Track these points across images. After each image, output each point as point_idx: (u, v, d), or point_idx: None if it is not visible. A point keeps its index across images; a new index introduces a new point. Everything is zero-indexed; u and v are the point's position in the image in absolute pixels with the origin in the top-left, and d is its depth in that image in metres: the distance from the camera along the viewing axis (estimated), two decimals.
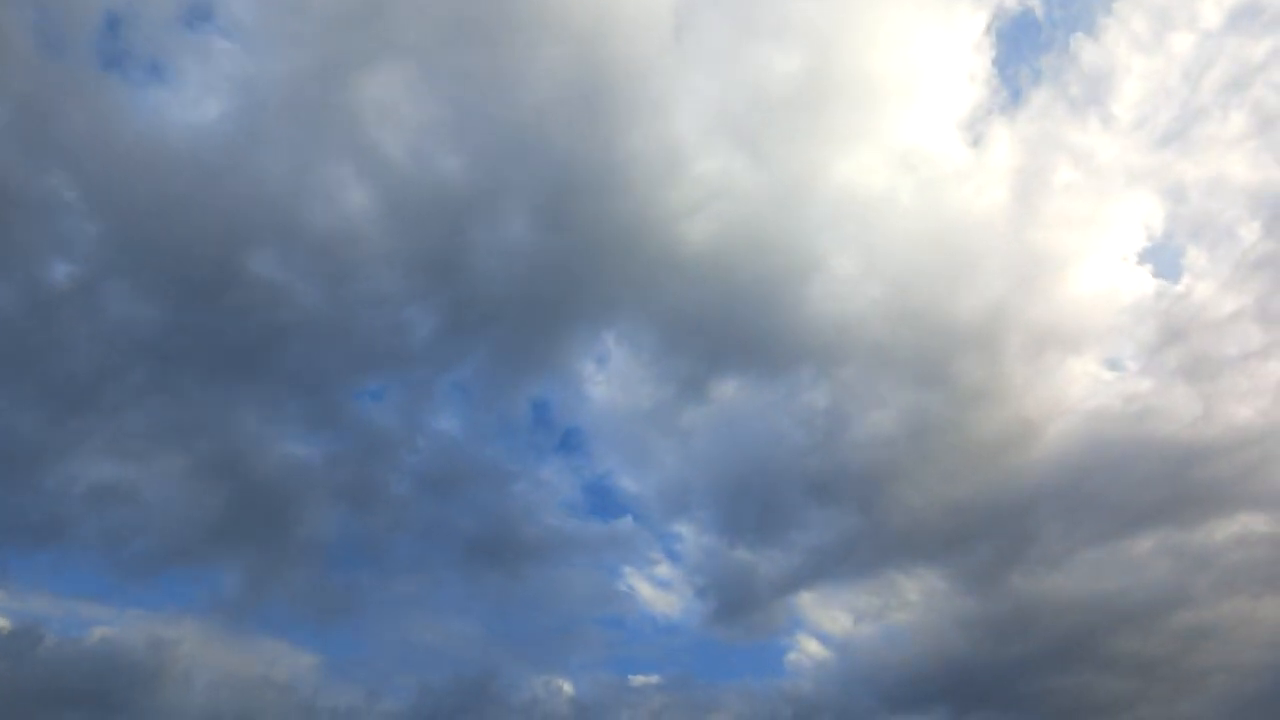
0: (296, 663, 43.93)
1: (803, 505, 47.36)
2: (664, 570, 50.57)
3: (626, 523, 51.39)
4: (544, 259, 45.70)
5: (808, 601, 49.26)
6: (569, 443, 52.27)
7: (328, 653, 44.82)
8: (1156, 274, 49.78)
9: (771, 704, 47.78)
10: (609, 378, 52.72)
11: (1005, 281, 46.08)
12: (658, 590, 50.21)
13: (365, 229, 45.10)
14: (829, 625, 49.45)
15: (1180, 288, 48.86)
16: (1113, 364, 48.17)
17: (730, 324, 46.90)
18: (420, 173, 45.54)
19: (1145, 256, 50.22)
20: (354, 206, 45.22)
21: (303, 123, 43.22)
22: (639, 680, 47.21)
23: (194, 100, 45.15)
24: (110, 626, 41.57)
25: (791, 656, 49.17)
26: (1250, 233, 48.76)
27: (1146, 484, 43.07)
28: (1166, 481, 43.22)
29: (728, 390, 50.08)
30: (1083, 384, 46.27)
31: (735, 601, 48.64)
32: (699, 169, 46.57)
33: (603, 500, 51.68)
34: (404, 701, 44.90)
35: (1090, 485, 43.51)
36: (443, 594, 47.42)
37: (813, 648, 49.30)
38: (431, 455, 49.25)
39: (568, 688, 46.42)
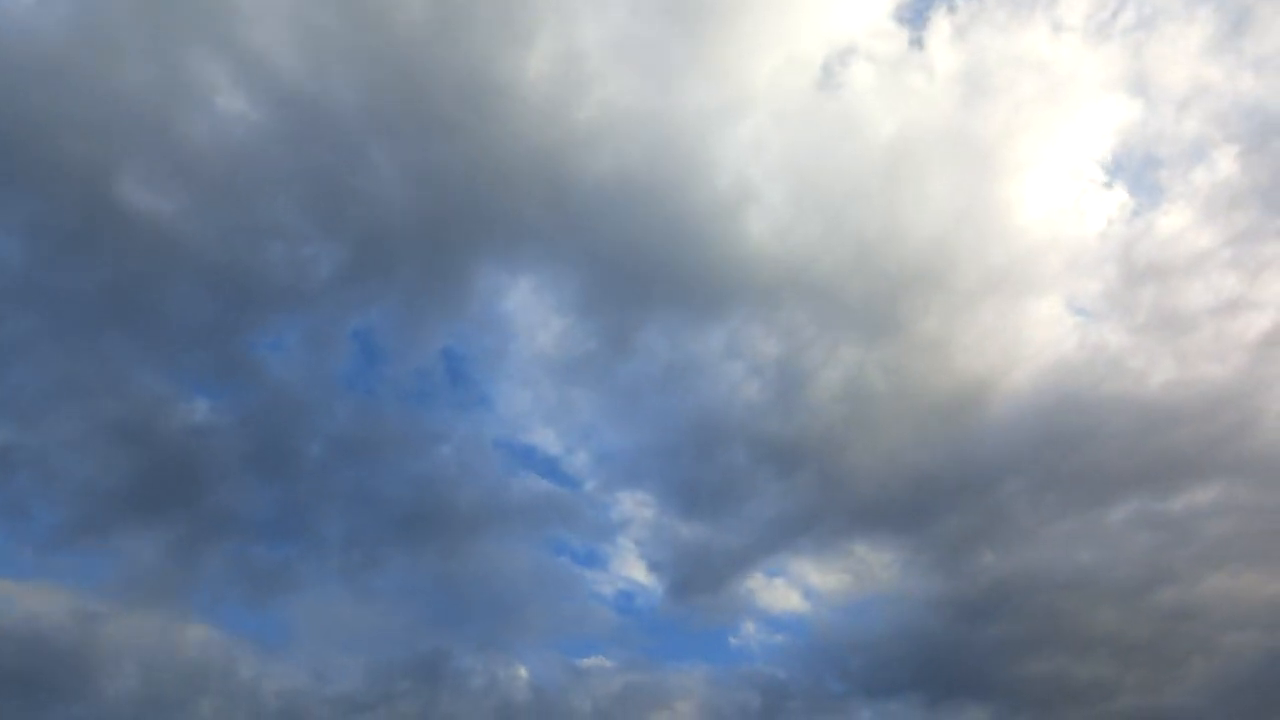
0: (231, 643, 41.65)
1: (755, 471, 44.56)
2: (611, 544, 48.03)
3: (566, 491, 48.05)
4: (450, 186, 41.37)
5: (766, 578, 47.01)
6: (491, 401, 48.58)
7: (263, 633, 42.69)
8: (1120, 206, 45.98)
9: (736, 689, 45.65)
10: (529, 326, 48.48)
11: (954, 211, 42.94)
12: (606, 566, 47.79)
13: (251, 148, 39.99)
14: (792, 604, 47.20)
15: (1144, 223, 45.23)
16: (1075, 309, 45.07)
17: (657, 265, 43.36)
18: (311, 84, 40.23)
19: (1106, 184, 46.25)
20: (235, 119, 40.08)
21: (167, 16, 37.96)
22: (592, 662, 45.14)
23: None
24: (25, 604, 39.35)
25: (753, 638, 47.04)
26: (1226, 159, 44.92)
27: (1118, 448, 40.89)
28: (1139, 446, 41.08)
29: (659, 342, 46.26)
30: (1044, 331, 43.37)
31: (690, 578, 46.23)
32: (606, 90, 42.19)
33: (534, 465, 48.09)
34: (352, 684, 42.82)
35: (1058, 449, 41.22)
36: (378, 570, 44.20)
37: (775, 629, 47.15)
38: (346, 415, 45.33)
39: (523, 671, 44.39)
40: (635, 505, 47.02)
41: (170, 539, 41.36)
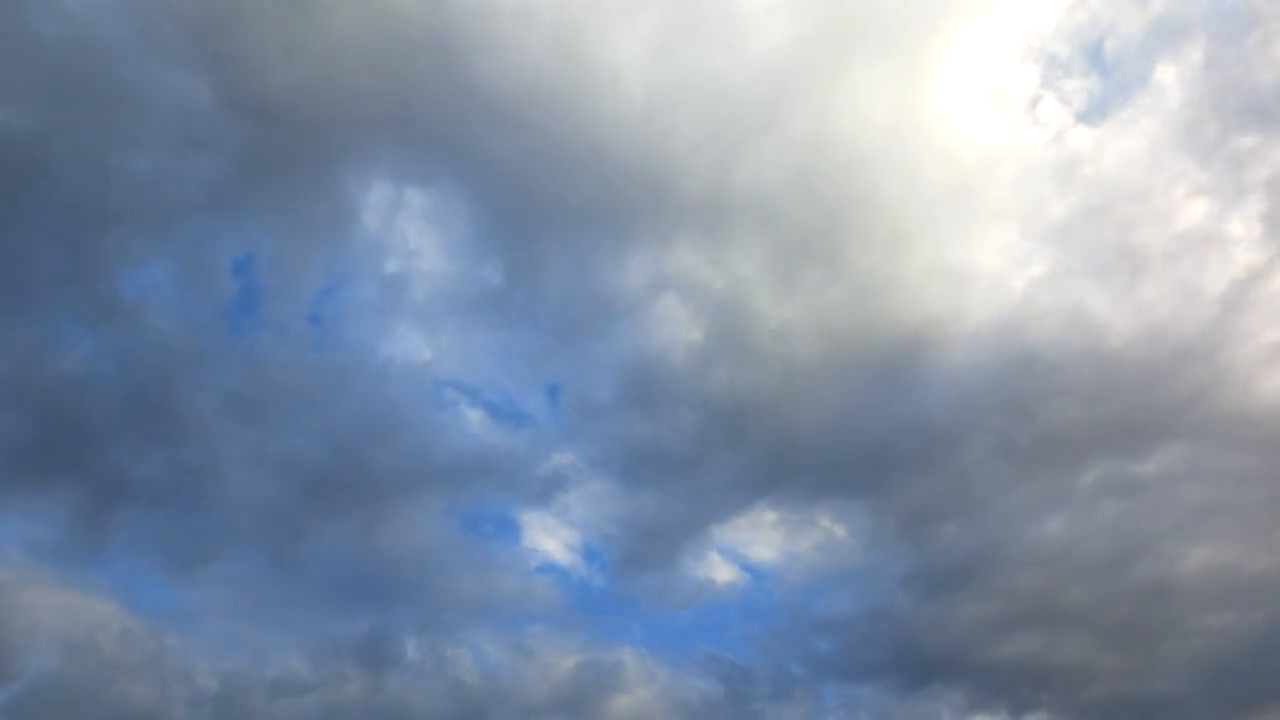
0: (154, 622, 39.55)
1: (706, 432, 41.70)
2: (544, 513, 45.00)
3: (494, 452, 43.99)
4: (333, 82, 36.51)
5: (720, 553, 44.93)
6: (390, 347, 43.62)
7: (185, 610, 40.33)
8: (1069, 122, 42.12)
9: (696, 673, 43.68)
10: (421, 250, 43.71)
11: (884, 120, 39.37)
12: (548, 536, 44.99)
13: (108, 51, 34.45)
14: (749, 580, 45.27)
15: (1097, 140, 41.64)
16: (1025, 243, 41.91)
17: (562, 183, 39.37)
18: None
19: (1052, 95, 42.11)
20: (88, 17, 34.52)
21: None
22: (540, 642, 43.10)
23: None
24: None
25: (709, 616, 45.07)
26: (1190, 61, 41.22)
27: (1081, 405, 38.86)
28: (1103, 403, 39.12)
29: (571, 273, 42.25)
30: (994, 271, 40.65)
31: (637, 552, 43.84)
32: None
33: (453, 420, 43.83)
34: (294, 666, 41.03)
35: (1017, 405, 39.12)
36: (298, 541, 41.07)
37: (733, 607, 45.19)
38: (235, 362, 40.70)
39: (468, 652, 42.49)
40: (568, 468, 43.90)
41: (65, 508, 38.41)
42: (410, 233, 43.20)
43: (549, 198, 39.40)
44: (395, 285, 43.35)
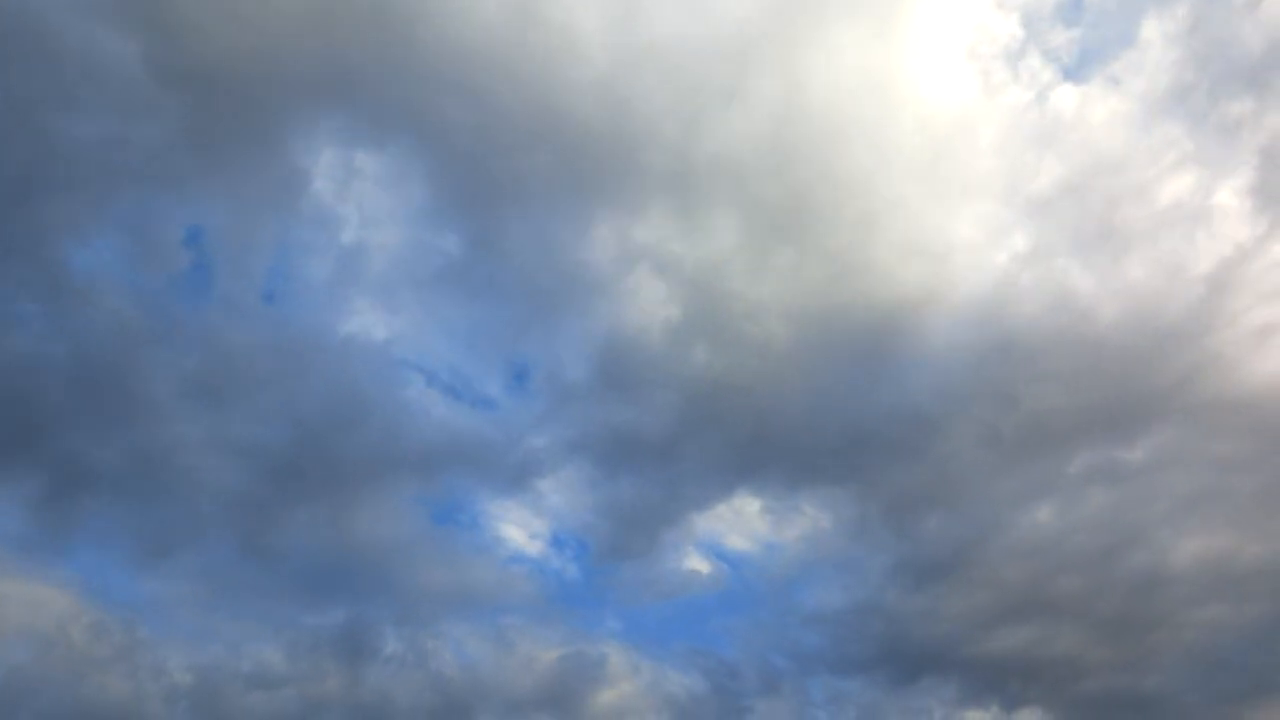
0: (121, 615, 38.65)
1: (684, 415, 40.37)
2: (527, 500, 43.71)
3: (465, 435, 42.37)
4: (280, 38, 34.87)
5: (700, 544, 44.11)
6: (351, 319, 41.41)
7: (154, 602, 39.34)
8: (1052, 80, 40.73)
9: (684, 667, 42.85)
10: (377, 219, 41.46)
11: (856, 83, 37.91)
12: (522, 525, 43.80)
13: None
14: (734, 569, 44.48)
15: (1081, 99, 40.25)
16: (1006, 215, 40.52)
17: (520, 146, 37.51)
18: None
19: (1035, 50, 40.54)
20: None
21: None
22: (520, 634, 42.29)
23: None
24: None
25: (696, 608, 44.25)
26: (1177, 20, 39.83)
27: (1066, 389, 37.95)
28: (1088, 387, 38.24)
29: (535, 244, 39.95)
30: (974, 246, 39.48)
31: (619, 541, 42.77)
32: None
33: (419, 401, 42.03)
34: (269, 659, 40.28)
35: (1001, 389, 38.24)
36: (267, 530, 39.89)
37: (717, 598, 44.32)
38: (192, 342, 38.64)
39: (448, 645, 41.71)
40: (542, 452, 42.27)
41: (22, 497, 37.06)
42: (365, 201, 41.60)
43: (508, 165, 37.94)
44: (352, 258, 41.70)
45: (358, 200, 41.45)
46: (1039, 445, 38.37)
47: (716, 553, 43.83)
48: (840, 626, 43.51)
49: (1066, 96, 40.53)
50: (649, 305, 39.30)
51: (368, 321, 42.14)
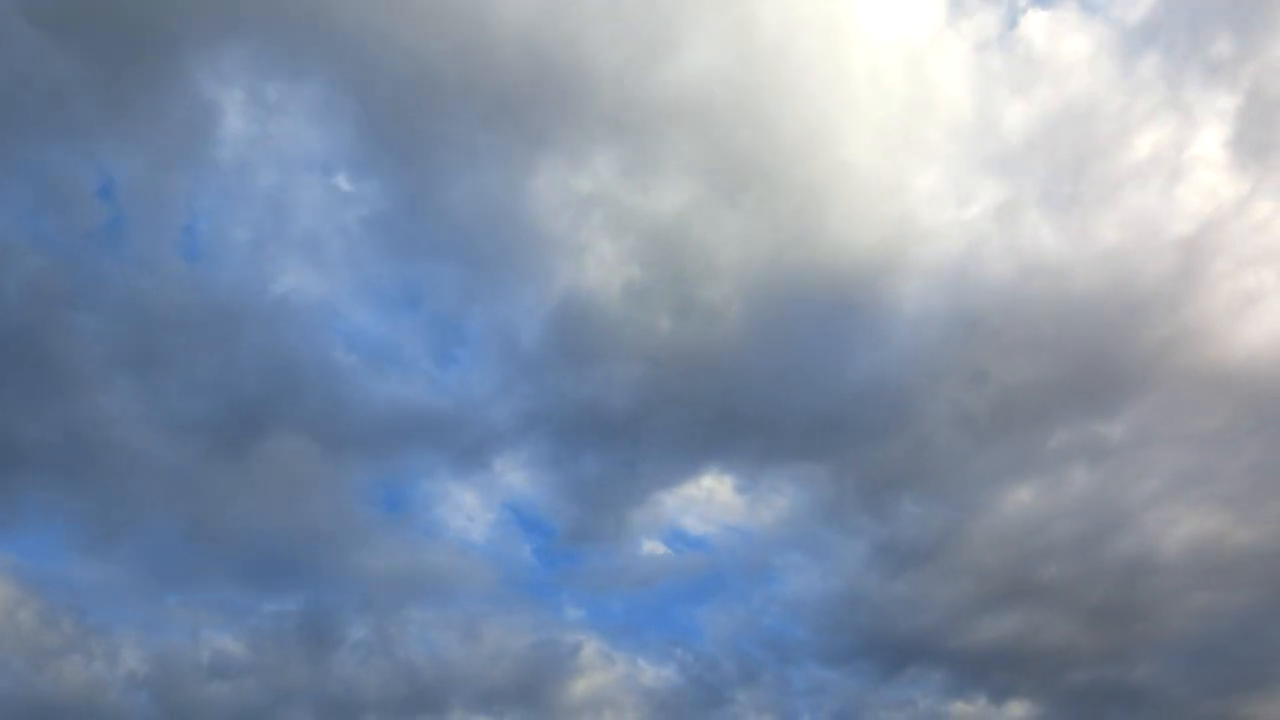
0: (69, 602, 37.09)
1: (648, 385, 37.92)
2: (483, 480, 41.45)
3: (415, 409, 39.58)
4: None
5: (674, 527, 42.76)
6: (280, 278, 37.89)
7: (102, 589, 37.78)
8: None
9: (662, 658, 41.44)
10: (298, 160, 38.09)
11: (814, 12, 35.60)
12: (479, 507, 41.81)
13: None
14: (711, 554, 43.11)
15: (1051, 26, 37.67)
16: (965, 173, 38.55)
17: (452, 82, 34.47)
18: None
19: None
20: None
21: None
22: (488, 625, 40.88)
23: None
24: None
25: (668, 594, 42.86)
26: None
27: (1039, 362, 36.46)
28: (1063, 360, 36.79)
29: (473, 192, 36.54)
30: (933, 204, 37.58)
31: (584, 525, 40.95)
32: None
33: (363, 372, 39.10)
34: (231, 649, 39.05)
35: (974, 358, 36.83)
36: (211, 510, 37.50)
37: (693, 585, 42.94)
38: (114, 305, 35.49)
39: (410, 632, 40.41)
40: (500, 427, 39.85)
41: None
42: (285, 143, 38.42)
43: (439, 104, 35.37)
44: (276, 210, 38.52)
45: (277, 143, 38.42)
46: (1015, 420, 37.21)
47: (687, 538, 42.65)
48: (821, 615, 42.39)
49: (1037, 24, 38.42)
50: (603, 265, 37.15)
51: (298, 282, 38.95)
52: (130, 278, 36.15)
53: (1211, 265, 35.41)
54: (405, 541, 40.77)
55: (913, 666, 41.69)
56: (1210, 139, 36.67)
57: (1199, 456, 37.80)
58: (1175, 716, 39.49)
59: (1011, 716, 40.63)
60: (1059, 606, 40.88)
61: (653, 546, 42.12)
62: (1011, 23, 38.33)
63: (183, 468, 36.95)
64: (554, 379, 38.88)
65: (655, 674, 41.09)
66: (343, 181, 39.05)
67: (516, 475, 41.62)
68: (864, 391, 37.41)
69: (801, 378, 37.65)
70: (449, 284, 39.85)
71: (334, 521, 39.35)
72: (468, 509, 41.92)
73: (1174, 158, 36.49)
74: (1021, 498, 39.75)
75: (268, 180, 38.61)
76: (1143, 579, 39.95)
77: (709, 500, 41.79)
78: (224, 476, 37.66)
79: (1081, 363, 36.38)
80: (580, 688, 40.52)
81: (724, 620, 42.73)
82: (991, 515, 39.80)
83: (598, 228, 37.31)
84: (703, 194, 36.57)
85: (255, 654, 39.24)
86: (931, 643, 41.46)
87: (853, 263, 36.24)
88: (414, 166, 36.57)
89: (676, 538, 42.33)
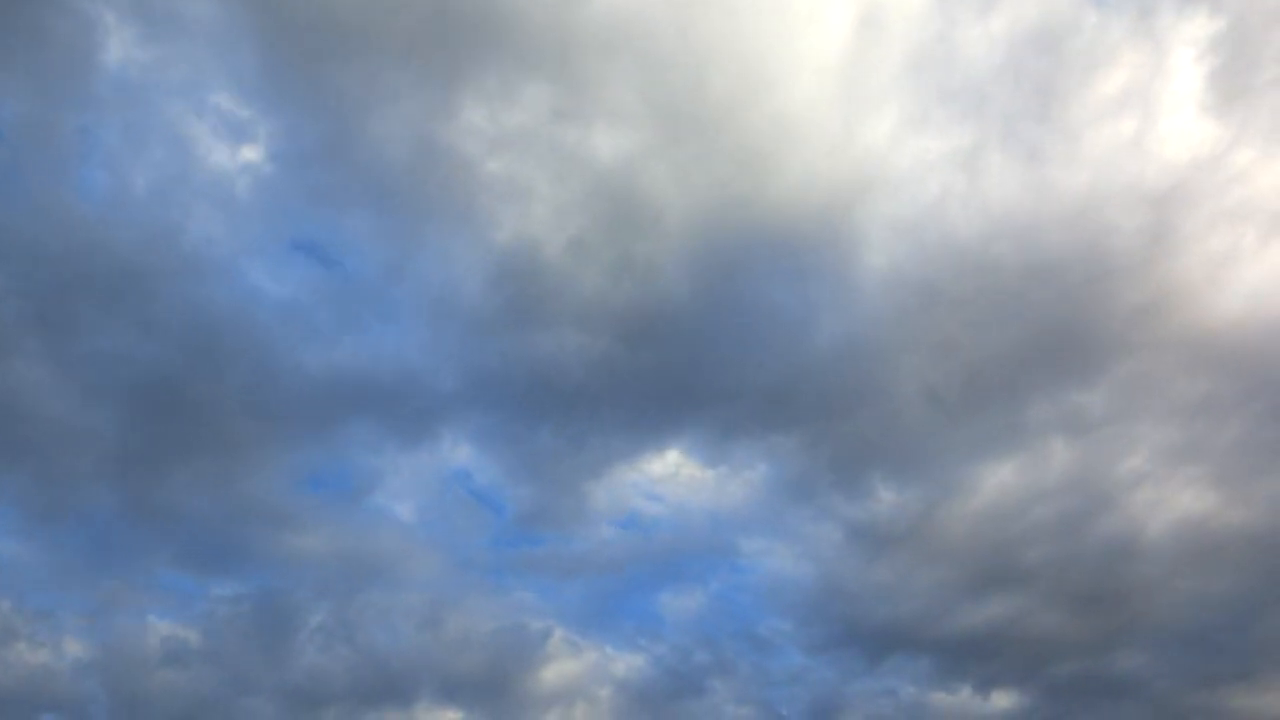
0: (8, 583, 35.87)
1: (598, 347, 35.84)
2: (430, 454, 39.20)
3: (355, 375, 36.32)
4: None
5: (637, 503, 41.21)
6: (188, 223, 34.25)
7: (42, 573, 36.04)
8: None
9: (630, 646, 39.96)
10: (201, 86, 34.38)
11: None
12: (430, 484, 39.99)
13: None
14: (678, 533, 41.56)
15: None
16: (925, 120, 35.86)
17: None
18: None
19: None
20: None
21: None
22: (444, 610, 39.42)
23: None
24: None
25: (637, 582, 41.39)
26: None
27: (1010, 326, 34.71)
28: (1039, 325, 35.03)
29: (393, 127, 33.39)
30: (894, 146, 35.17)
31: (543, 505, 39.19)
32: None
33: (292, 334, 36.02)
34: (182, 635, 37.80)
35: (937, 325, 35.02)
36: (150, 487, 35.55)
37: (660, 566, 41.39)
38: (16, 256, 32.83)
39: (371, 621, 39.07)
40: (447, 397, 37.26)
41: None
42: (179, 63, 34.99)
43: (353, 36, 32.25)
44: (175, 144, 35.04)
45: (168, 63, 34.93)
46: (988, 392, 35.49)
47: (650, 518, 41.03)
48: (798, 602, 41.17)
49: None
50: (544, 216, 34.64)
51: (208, 232, 35.61)
52: (30, 230, 33.21)
53: (1188, 221, 33.58)
54: (353, 522, 39.01)
55: (893, 655, 40.57)
56: (1187, 75, 34.16)
57: (1183, 431, 36.22)
58: (1163, 708, 38.27)
59: (997, 708, 39.43)
60: (1043, 593, 39.49)
61: (614, 529, 40.74)
62: None
63: (112, 439, 35.02)
64: (499, 343, 36.61)
65: (627, 663, 39.89)
66: (249, 111, 35.63)
67: (465, 450, 39.74)
68: (830, 359, 35.70)
69: (761, 344, 35.97)
70: (377, 234, 36.63)
71: (275, 499, 37.38)
72: (415, 486, 40.12)
73: (1146, 96, 34.10)
74: (1002, 476, 38.36)
75: (161, 103, 35.07)
76: (1128, 562, 38.68)
77: (673, 478, 40.45)
78: (154, 450, 35.60)
79: (1054, 329, 34.66)
80: (549, 677, 39.27)
81: (694, 606, 41.45)
82: (971, 495, 38.47)
83: (533, 172, 34.68)
84: (647, 140, 34.26)
85: (209, 641, 38.08)
86: (913, 631, 40.13)
87: (807, 215, 34.37)
88: (329, 101, 33.79)
89: (639, 519, 40.88)
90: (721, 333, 36.28)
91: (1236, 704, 37.42)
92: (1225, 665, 37.68)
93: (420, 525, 39.93)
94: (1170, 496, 37.82)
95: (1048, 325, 34.49)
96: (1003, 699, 39.56)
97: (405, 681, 38.33)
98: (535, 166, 34.31)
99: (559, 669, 39.39)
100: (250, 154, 35.91)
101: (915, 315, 34.53)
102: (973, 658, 39.87)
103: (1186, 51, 33.76)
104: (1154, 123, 33.86)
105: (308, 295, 37.71)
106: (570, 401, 36.86)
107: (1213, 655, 37.86)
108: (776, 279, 35.74)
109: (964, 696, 39.74)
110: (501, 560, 39.96)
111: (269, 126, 35.53)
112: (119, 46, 33.84)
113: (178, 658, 37.60)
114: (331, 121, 34.03)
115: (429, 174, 33.88)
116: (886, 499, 39.04)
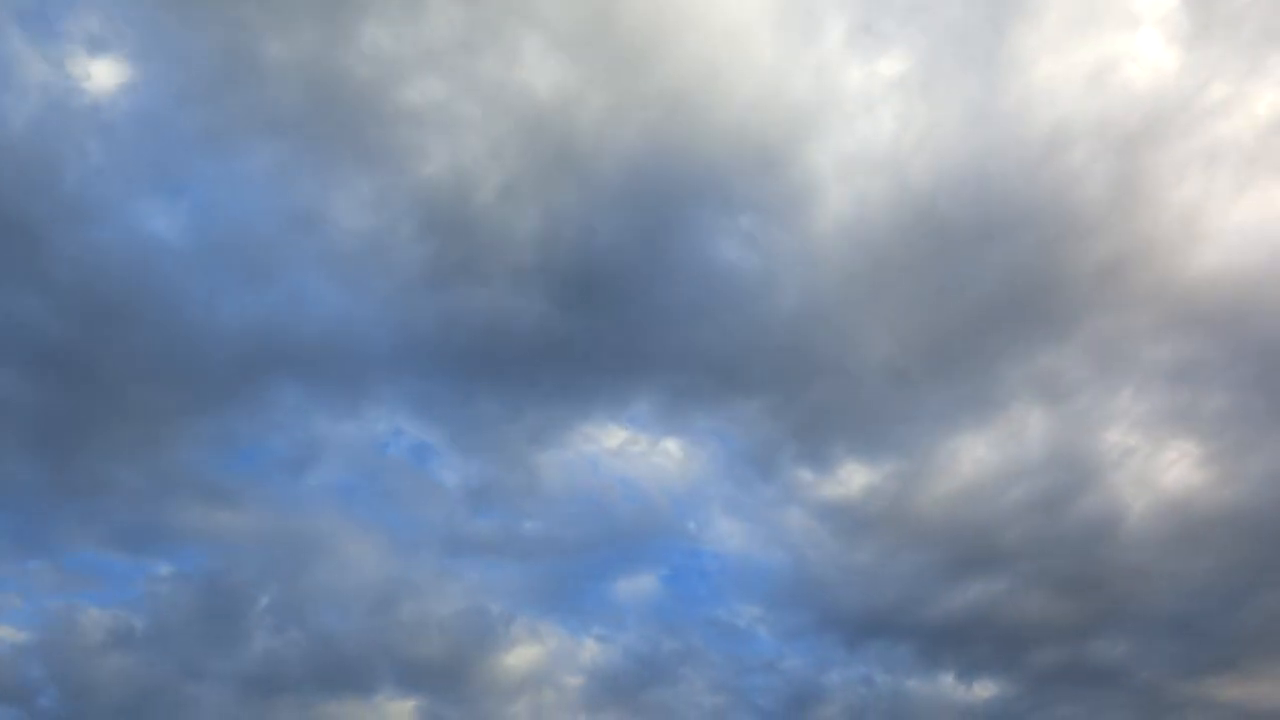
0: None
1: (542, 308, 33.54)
2: (367, 419, 36.45)
3: (275, 330, 33.53)
4: None
5: (592, 475, 39.49)
6: (79, 163, 30.64)
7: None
8: None
9: (603, 637, 38.28)
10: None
11: None
12: (365, 452, 37.42)
13: None
14: (642, 511, 39.84)
15: None
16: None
17: None
18: None
19: None
20: None
21: None
22: (398, 592, 37.77)
23: None
24: None
25: (601, 563, 39.63)
26: None
27: (973, 283, 32.76)
28: (1009, 279, 32.99)
29: (292, 49, 29.85)
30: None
31: (489, 478, 36.99)
32: None
33: (203, 285, 32.59)
34: (126, 617, 36.34)
35: (900, 282, 33.01)
36: (73, 459, 33.16)
37: (620, 543, 39.57)
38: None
39: (327, 609, 37.52)
40: (379, 359, 34.70)
41: None
42: None
43: None
44: (44, 72, 31.08)
45: None
46: (955, 357, 33.49)
47: (606, 496, 39.20)
48: (766, 586, 39.58)
49: None
50: (469, 147, 31.43)
51: (91, 172, 31.49)
52: None
53: (1158, 164, 31.30)
54: (289, 497, 36.68)
55: (872, 642, 38.74)
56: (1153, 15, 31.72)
57: (1165, 399, 34.38)
58: (1148, 697, 36.76)
59: (979, 696, 37.78)
60: (1024, 576, 37.77)
61: (569, 505, 38.83)
62: None
63: (18, 412, 32.25)
64: (433, 298, 33.86)
65: (593, 650, 38.29)
66: (143, 41, 32.29)
67: (401, 419, 37.35)
68: (787, 319, 33.44)
69: (713, 305, 33.88)
70: (282, 171, 32.30)
71: (204, 472, 34.93)
72: (352, 459, 37.70)
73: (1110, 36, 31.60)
74: (977, 452, 36.81)
75: (30, 36, 31.74)
76: (1111, 544, 36.67)
77: (626, 451, 38.75)
78: (64, 421, 32.86)
79: (1021, 284, 32.61)
80: (513, 663, 37.67)
81: (657, 590, 39.62)
82: (946, 471, 37.01)
83: (450, 95, 31.22)
84: (574, 70, 31.38)
85: (153, 625, 36.63)
86: (891, 617, 38.55)
87: (748, 158, 32.30)
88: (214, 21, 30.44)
89: (594, 494, 39.08)
90: (667, 292, 34.11)
91: (1223, 693, 35.96)
92: (1211, 652, 36.29)
93: (362, 502, 37.98)
94: (1154, 473, 36.11)
95: (1013, 279, 32.45)
96: (984, 688, 37.92)
97: (362, 667, 36.75)
98: (448, 91, 31.15)
99: (522, 655, 37.87)
100: (141, 78, 32.42)
101: (872, 273, 32.57)
102: (953, 644, 38.51)
103: None
104: (1121, 54, 31.47)
105: (210, 240, 33.79)
106: (511, 366, 34.77)
107: (1198, 642, 36.46)
108: (721, 233, 33.60)
109: (947, 684, 38.18)
110: (452, 540, 37.80)
111: (151, 56, 32.17)
112: None
113: (123, 642, 36.24)
114: (221, 42, 31.09)
115: (333, 98, 30.66)
116: (857, 477, 37.38)
